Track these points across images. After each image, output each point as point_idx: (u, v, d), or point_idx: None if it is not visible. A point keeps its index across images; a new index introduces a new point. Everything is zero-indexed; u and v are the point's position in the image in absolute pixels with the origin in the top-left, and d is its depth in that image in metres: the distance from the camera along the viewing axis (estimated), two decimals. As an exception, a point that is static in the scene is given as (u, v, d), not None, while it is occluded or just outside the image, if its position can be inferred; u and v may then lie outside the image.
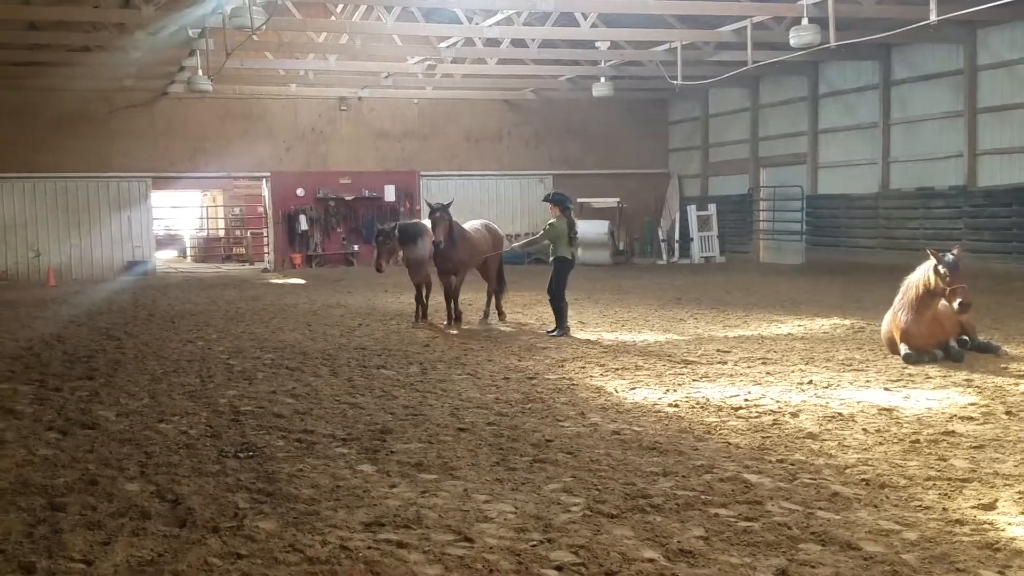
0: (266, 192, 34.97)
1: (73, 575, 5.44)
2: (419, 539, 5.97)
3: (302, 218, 33.99)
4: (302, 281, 28.40)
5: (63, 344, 15.28)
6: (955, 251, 11.91)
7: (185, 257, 42.73)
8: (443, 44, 27.23)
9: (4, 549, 5.83)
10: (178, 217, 46.32)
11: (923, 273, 11.88)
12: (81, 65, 28.13)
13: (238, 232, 42.42)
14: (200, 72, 24.80)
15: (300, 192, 34.25)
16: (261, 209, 36.70)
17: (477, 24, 25.09)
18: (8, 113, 30.95)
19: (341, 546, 5.82)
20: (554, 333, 15.45)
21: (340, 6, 25.66)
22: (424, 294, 17.49)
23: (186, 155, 33.24)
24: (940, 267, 11.57)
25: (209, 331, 16.72)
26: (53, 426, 9.29)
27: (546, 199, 16.47)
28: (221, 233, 43.39)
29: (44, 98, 31.22)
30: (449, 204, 16.73)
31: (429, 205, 16.89)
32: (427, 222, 17.11)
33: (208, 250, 41.47)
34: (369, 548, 5.79)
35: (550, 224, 15.76)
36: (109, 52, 26.59)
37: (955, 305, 11.55)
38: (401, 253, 17.35)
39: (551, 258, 16.04)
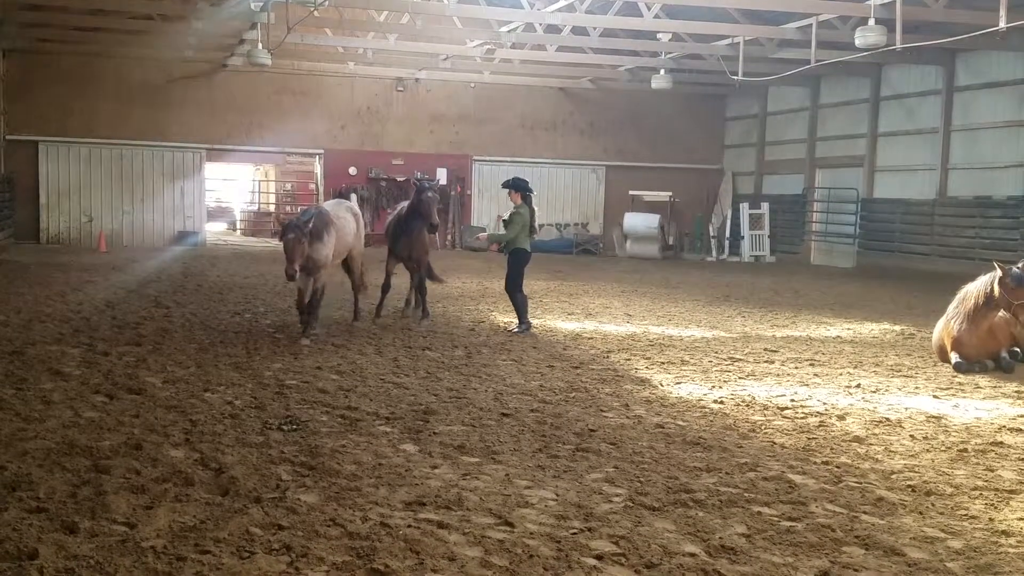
0: (318, 169, 35.14)
1: (115, 537, 5.48)
2: (459, 521, 5.96)
3: (353, 197, 33.96)
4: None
5: (112, 310, 15.46)
6: (1021, 265, 11.65)
7: (235, 230, 43.04)
8: (504, 28, 27.14)
9: (48, 508, 5.90)
10: (230, 190, 46.70)
11: (984, 284, 11.68)
12: (143, 33, 28.39)
13: (288, 208, 42.66)
14: (260, 46, 24.90)
15: (352, 171, 34.35)
16: (312, 186, 36.87)
17: (539, 10, 25.00)
18: (68, 79, 31.34)
19: (382, 523, 5.83)
20: (520, 330, 14.38)
21: (402, -14, 25.64)
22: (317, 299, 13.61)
23: (241, 128, 33.46)
24: (1007, 280, 11.35)
25: (257, 304, 16.85)
26: (100, 390, 9.40)
27: (505, 185, 14.92)
28: (272, 208, 43.68)
29: (104, 65, 31.60)
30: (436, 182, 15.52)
31: (416, 182, 15.36)
32: (332, 208, 14.52)
33: (258, 224, 41.76)
34: (409, 527, 5.80)
35: (515, 212, 14.44)
36: (171, 22, 26.82)
37: (1023, 320, 11.34)
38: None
39: (507, 250, 14.67)
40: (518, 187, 14.63)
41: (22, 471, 6.57)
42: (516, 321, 14.72)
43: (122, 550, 5.29)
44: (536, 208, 14.93)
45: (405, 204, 15.68)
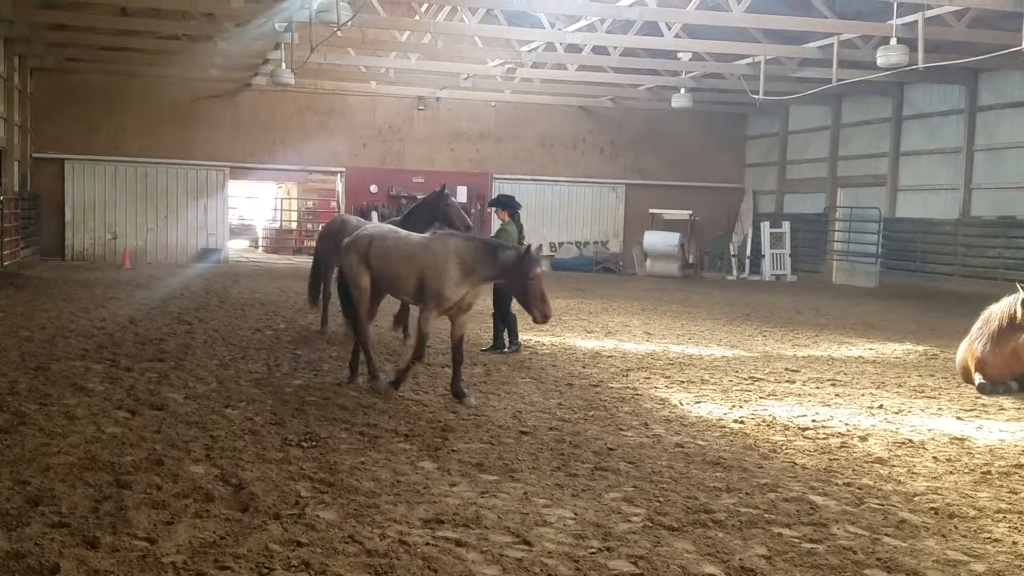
0: (340, 187, 35.29)
1: (136, 552, 5.50)
2: (477, 539, 5.96)
3: (374, 215, 34.07)
4: (371, 277, 28.51)
5: (135, 326, 15.54)
6: None
7: (257, 247, 43.30)
8: (524, 48, 27.26)
9: (70, 523, 5.92)
10: (252, 207, 46.95)
11: (1008, 305, 11.62)
12: (169, 53, 28.69)
13: (310, 225, 42.88)
14: (284, 65, 25.11)
15: (373, 188, 34.52)
16: (334, 203, 37.05)
17: (559, 29, 25.07)
18: (94, 97, 31.69)
19: (400, 540, 5.83)
20: (508, 350, 14.10)
21: (424, 6, 25.80)
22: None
23: (265, 147, 33.70)
24: None
25: (278, 321, 16.90)
26: (122, 405, 9.43)
27: (492, 204, 14.72)
28: (293, 225, 43.90)
29: (130, 84, 31.95)
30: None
31: (437, 192, 15.02)
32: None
33: (280, 241, 41.98)
34: (427, 544, 5.79)
35: (502, 229, 13.99)
36: (197, 42, 27.08)
37: None
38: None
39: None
40: (505, 204, 14.32)
41: (45, 486, 6.61)
42: (510, 341, 14.30)
43: (142, 565, 5.31)
44: (524, 224, 14.58)
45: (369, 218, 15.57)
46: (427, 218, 14.67)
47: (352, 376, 11.08)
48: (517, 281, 9.99)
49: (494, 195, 34.58)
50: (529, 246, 10.06)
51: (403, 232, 11.32)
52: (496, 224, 14.93)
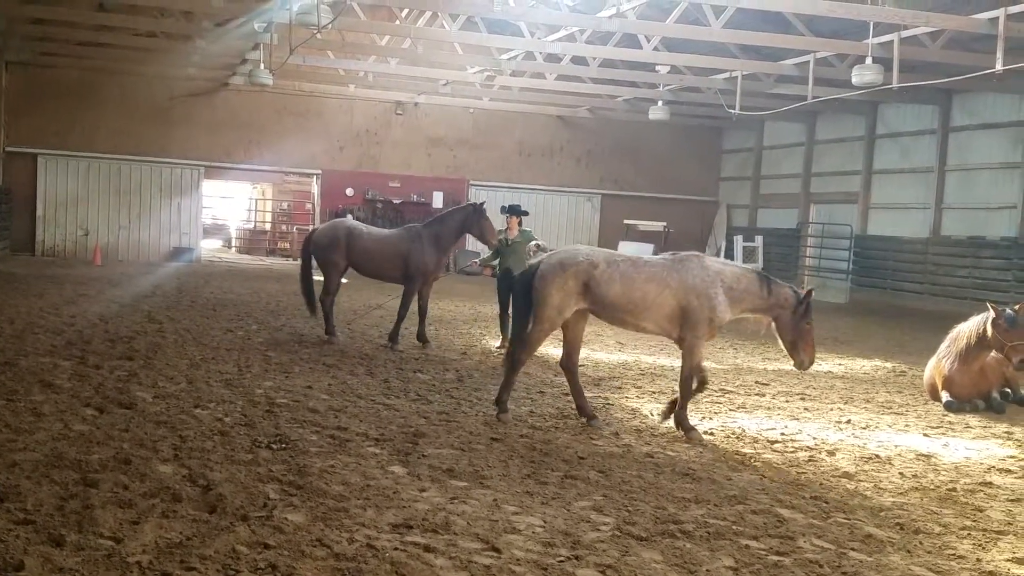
0: (316, 189, 35.19)
1: (102, 551, 5.46)
2: (446, 545, 5.96)
3: (349, 218, 34.05)
4: (344, 280, 28.41)
5: (105, 323, 15.43)
6: (1016, 307, 11.66)
7: (230, 248, 43.06)
8: (504, 56, 27.30)
9: (35, 521, 5.87)
10: (226, 207, 46.70)
11: (976, 324, 11.72)
12: (147, 51, 28.51)
13: (284, 227, 42.70)
14: (262, 66, 25.02)
15: (349, 192, 34.44)
16: (309, 206, 36.93)
17: (539, 39, 25.13)
18: (70, 93, 31.44)
19: (368, 545, 5.82)
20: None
21: (405, 11, 25.79)
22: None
23: (241, 147, 33.55)
24: (1000, 322, 11.39)
25: (249, 322, 16.82)
26: (90, 403, 9.37)
27: (505, 211, 15.28)
28: (267, 227, 43.70)
29: (107, 80, 31.73)
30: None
31: (475, 205, 15.24)
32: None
33: (253, 242, 41.77)
34: (396, 549, 5.79)
35: (524, 231, 15.15)
36: (175, 40, 26.94)
37: (1015, 362, 11.35)
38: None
39: (497, 272, 15.59)
40: (521, 213, 15.18)
41: (10, 482, 6.55)
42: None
43: (108, 564, 5.28)
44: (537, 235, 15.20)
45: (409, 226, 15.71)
46: (456, 228, 15.01)
47: (501, 407, 10.07)
48: (791, 323, 9.85)
49: (477, 200, 34.66)
50: (811, 290, 10.02)
51: (624, 254, 10.50)
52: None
